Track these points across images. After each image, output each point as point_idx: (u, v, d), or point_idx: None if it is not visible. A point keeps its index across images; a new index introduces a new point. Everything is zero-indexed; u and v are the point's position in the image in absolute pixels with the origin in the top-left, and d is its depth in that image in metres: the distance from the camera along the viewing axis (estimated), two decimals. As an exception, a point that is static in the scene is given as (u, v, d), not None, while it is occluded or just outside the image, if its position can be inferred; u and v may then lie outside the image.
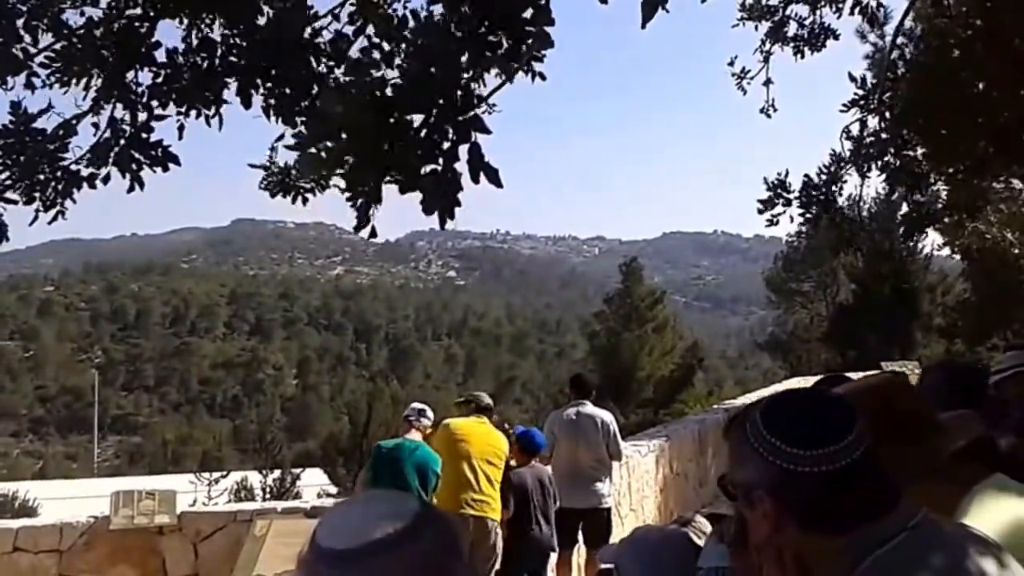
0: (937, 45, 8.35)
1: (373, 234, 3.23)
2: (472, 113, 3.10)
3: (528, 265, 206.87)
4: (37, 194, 4.01)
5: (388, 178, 3.10)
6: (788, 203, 8.07)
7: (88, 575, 6.22)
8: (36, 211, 4.04)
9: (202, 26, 4.22)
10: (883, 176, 8.93)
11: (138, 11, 4.13)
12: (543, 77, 3.71)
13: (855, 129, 8.64)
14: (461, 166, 3.07)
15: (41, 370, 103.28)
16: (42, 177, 3.99)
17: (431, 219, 3.11)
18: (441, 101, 3.08)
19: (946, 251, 23.01)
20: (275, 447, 25.46)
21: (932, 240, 26.38)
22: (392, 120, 3.06)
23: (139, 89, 4.15)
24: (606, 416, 6.69)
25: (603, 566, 1.93)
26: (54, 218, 4.10)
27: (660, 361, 32.69)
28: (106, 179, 4.07)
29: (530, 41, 3.13)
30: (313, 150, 3.07)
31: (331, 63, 4.13)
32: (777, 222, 8.08)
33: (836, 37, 8.96)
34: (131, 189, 4.05)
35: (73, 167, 4.04)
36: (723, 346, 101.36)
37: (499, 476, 5.53)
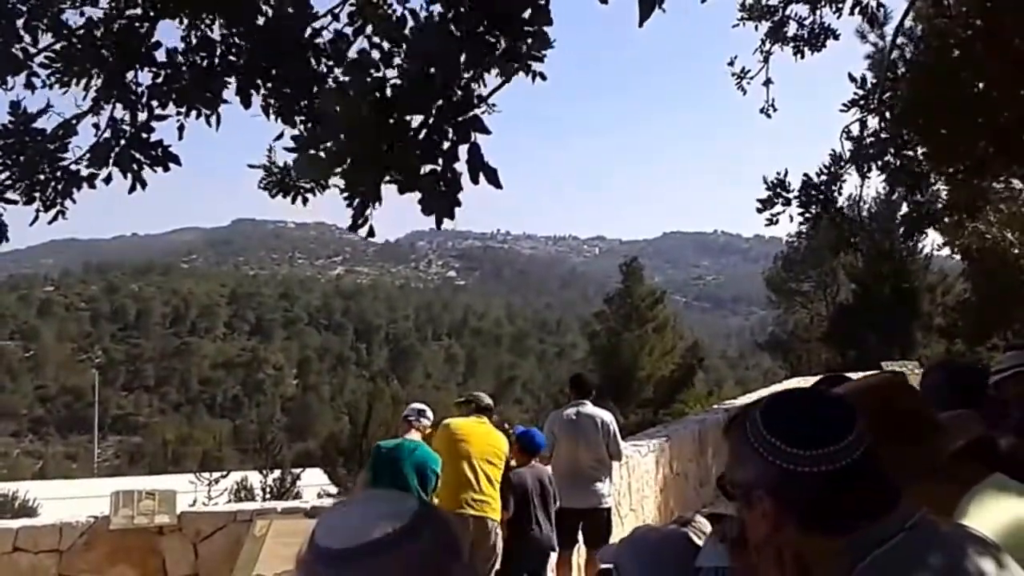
0: (937, 45, 8.34)
1: (371, 233, 3.23)
2: (472, 113, 3.09)
3: (528, 265, 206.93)
4: (37, 194, 4.00)
5: (387, 178, 3.10)
6: (787, 202, 8.06)
7: (88, 575, 6.22)
8: (36, 211, 4.04)
9: (202, 26, 4.22)
10: (883, 176, 8.93)
11: (138, 11, 4.13)
12: (543, 77, 3.70)
13: (855, 129, 8.64)
14: (460, 166, 3.07)
15: (41, 370, 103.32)
16: (42, 177, 3.99)
17: (431, 219, 3.11)
18: (441, 101, 3.08)
19: (946, 251, 23.02)
20: (275, 447, 25.43)
21: (932, 240, 26.42)
22: (392, 120, 3.06)
23: (139, 89, 4.15)
24: (606, 416, 6.69)
25: (603, 566, 1.93)
26: (54, 218, 4.10)
27: (660, 361, 32.69)
28: (107, 179, 4.07)
29: (529, 41, 3.13)
30: (311, 152, 3.07)
31: (331, 63, 4.13)
32: (776, 221, 8.08)
33: (836, 37, 8.95)
34: (132, 189, 4.05)
35: (73, 167, 4.04)
36: (723, 346, 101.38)
37: (499, 476, 5.54)
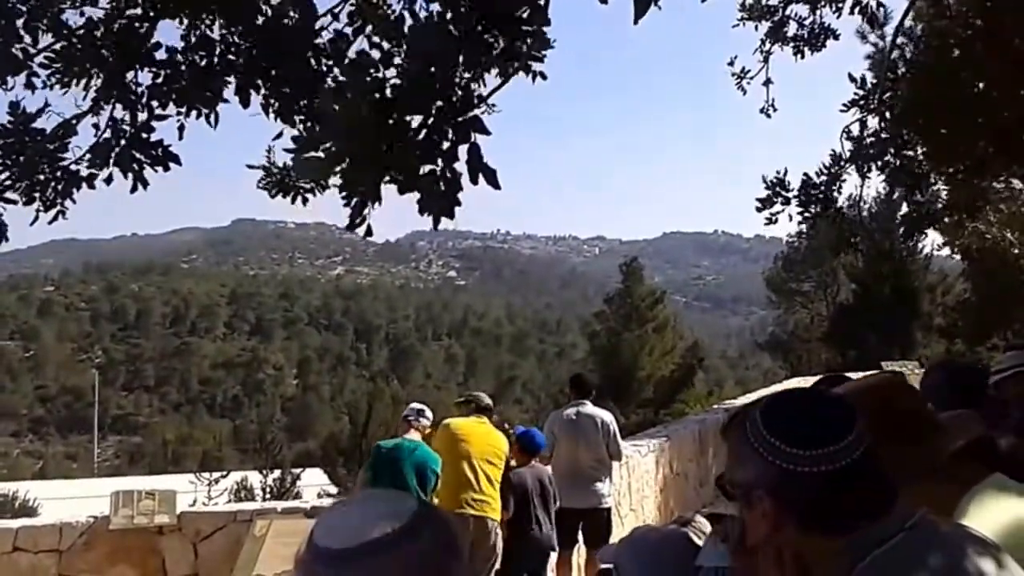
0: (937, 45, 8.34)
1: (369, 233, 3.23)
2: (471, 113, 3.09)
3: (528, 265, 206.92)
4: (37, 194, 4.00)
5: (387, 178, 3.10)
6: (787, 202, 8.06)
7: (88, 575, 6.22)
8: (36, 211, 4.04)
9: (202, 26, 4.21)
10: (883, 176, 8.92)
11: (138, 11, 4.13)
12: (543, 77, 3.70)
13: (855, 129, 8.63)
14: (460, 166, 3.07)
15: (41, 370, 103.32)
16: (42, 177, 3.99)
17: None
18: (440, 101, 3.08)
19: (946, 251, 23.02)
20: (275, 447, 25.44)
21: (932, 240, 26.41)
22: (391, 120, 3.06)
23: (139, 89, 4.14)
24: (606, 416, 6.69)
25: (603, 566, 1.93)
26: (54, 218, 4.10)
27: (660, 361, 32.69)
28: (108, 179, 4.07)
29: (528, 41, 3.12)
30: (311, 152, 3.07)
31: (330, 63, 4.13)
32: (776, 221, 8.07)
33: (836, 37, 8.94)
34: (134, 189, 4.05)
35: (73, 167, 4.04)
36: (723, 346, 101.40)
37: (499, 476, 5.54)
